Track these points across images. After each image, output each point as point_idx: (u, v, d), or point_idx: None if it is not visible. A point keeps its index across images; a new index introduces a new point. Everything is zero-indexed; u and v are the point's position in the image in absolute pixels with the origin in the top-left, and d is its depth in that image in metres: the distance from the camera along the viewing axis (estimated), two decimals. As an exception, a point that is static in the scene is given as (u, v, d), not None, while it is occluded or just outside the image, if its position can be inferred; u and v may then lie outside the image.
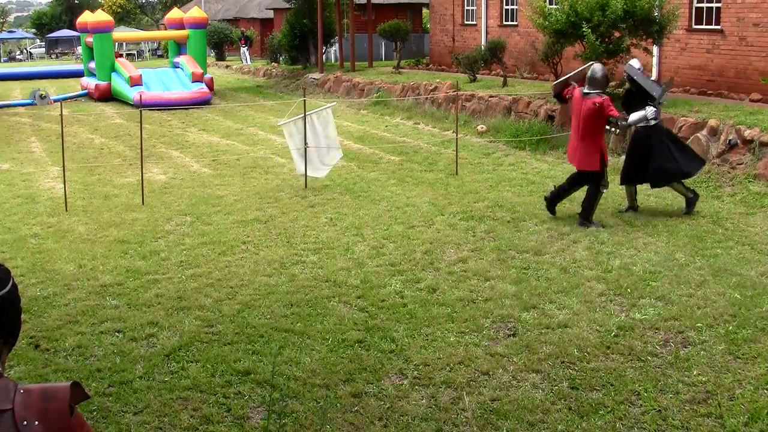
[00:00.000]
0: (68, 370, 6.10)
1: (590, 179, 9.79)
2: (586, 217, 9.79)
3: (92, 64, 28.46)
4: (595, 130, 9.64)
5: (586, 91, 9.71)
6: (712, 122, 12.55)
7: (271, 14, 45.54)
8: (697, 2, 16.91)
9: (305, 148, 12.20)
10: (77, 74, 35.23)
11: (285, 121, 12.56)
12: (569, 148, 10.14)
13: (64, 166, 12.10)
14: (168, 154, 16.64)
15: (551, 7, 16.98)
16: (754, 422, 5.06)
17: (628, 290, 7.49)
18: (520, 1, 22.73)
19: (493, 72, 22.47)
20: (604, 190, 9.90)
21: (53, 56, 62.35)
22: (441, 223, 10.13)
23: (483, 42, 24.04)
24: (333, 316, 7.05)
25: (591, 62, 10.59)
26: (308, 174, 12.47)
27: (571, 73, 10.35)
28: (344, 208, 11.08)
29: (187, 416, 5.36)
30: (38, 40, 71.80)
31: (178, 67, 28.47)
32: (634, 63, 10.54)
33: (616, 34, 14.70)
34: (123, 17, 72.37)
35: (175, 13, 30.17)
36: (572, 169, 10.22)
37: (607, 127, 9.82)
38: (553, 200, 10.17)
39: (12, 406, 1.98)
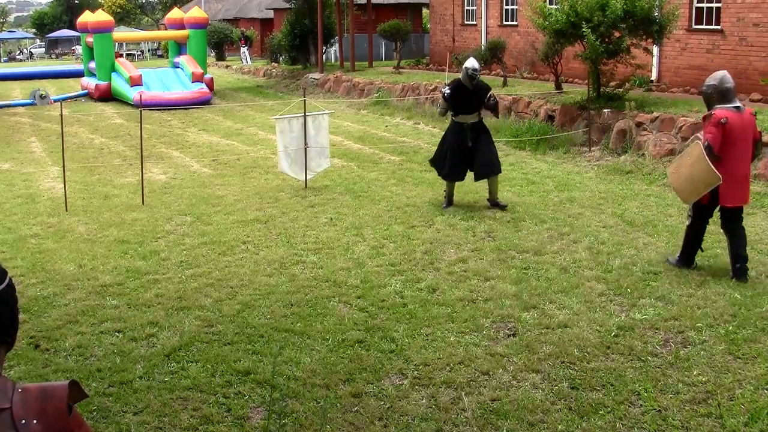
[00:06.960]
0: (68, 370, 6.10)
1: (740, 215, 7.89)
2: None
3: (92, 64, 28.48)
4: None
5: (737, 104, 7.59)
6: (712, 122, 12.53)
7: (271, 14, 45.56)
8: (697, 2, 16.92)
9: (293, 149, 12.19)
10: (77, 74, 35.27)
11: (280, 116, 12.55)
12: (736, 184, 7.61)
13: (64, 166, 12.10)
14: (168, 154, 16.64)
15: (551, 7, 16.98)
16: (754, 422, 5.06)
17: (628, 290, 7.49)
18: (520, 1, 22.73)
19: (493, 72, 22.47)
20: None
21: (53, 56, 62.38)
22: (441, 223, 10.12)
23: (483, 42, 24.05)
24: (333, 316, 7.05)
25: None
26: (290, 174, 12.47)
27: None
28: (344, 208, 11.08)
29: (187, 416, 5.36)
30: (38, 40, 71.86)
31: (178, 67, 28.47)
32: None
33: (616, 34, 14.69)
34: (123, 17, 72.46)
35: (175, 13, 30.18)
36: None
37: None
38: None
39: (10, 405, 1.98)
